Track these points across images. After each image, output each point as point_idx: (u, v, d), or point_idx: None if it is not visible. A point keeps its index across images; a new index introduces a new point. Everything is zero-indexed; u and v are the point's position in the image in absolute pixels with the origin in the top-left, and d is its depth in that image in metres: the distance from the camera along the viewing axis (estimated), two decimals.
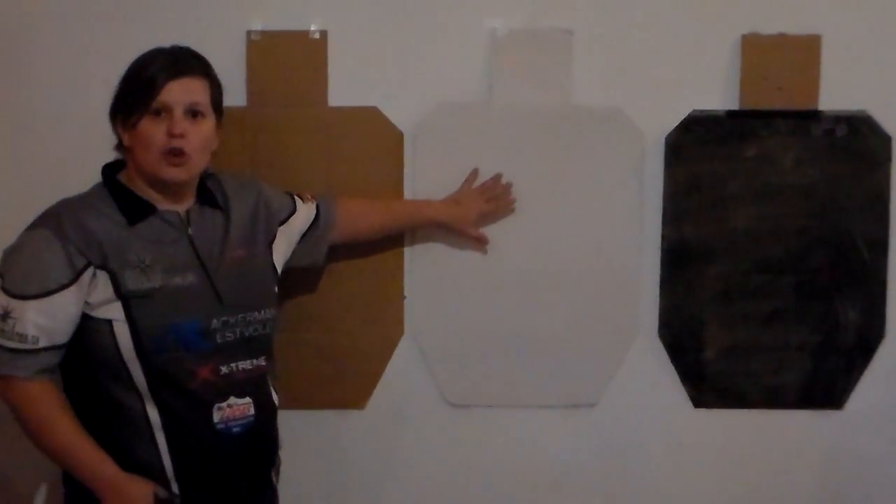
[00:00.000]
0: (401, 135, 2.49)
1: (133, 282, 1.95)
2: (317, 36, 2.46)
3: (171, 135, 1.96)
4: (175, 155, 1.97)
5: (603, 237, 2.52)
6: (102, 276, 1.94)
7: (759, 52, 2.46)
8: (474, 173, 2.48)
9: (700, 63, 2.49)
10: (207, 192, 2.10)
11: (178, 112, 1.98)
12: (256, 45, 2.45)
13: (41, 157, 2.49)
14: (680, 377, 2.57)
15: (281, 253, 2.22)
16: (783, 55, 2.46)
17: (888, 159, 2.50)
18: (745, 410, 2.58)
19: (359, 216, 2.41)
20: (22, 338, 1.93)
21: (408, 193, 2.49)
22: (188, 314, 1.99)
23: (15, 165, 2.49)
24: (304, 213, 2.31)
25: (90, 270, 1.94)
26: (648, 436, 2.61)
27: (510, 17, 2.47)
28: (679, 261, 2.53)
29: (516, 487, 2.61)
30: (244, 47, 2.45)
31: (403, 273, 2.54)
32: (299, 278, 2.48)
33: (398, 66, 2.48)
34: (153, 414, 1.98)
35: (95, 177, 2.08)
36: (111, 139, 2.07)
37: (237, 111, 2.42)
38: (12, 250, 1.97)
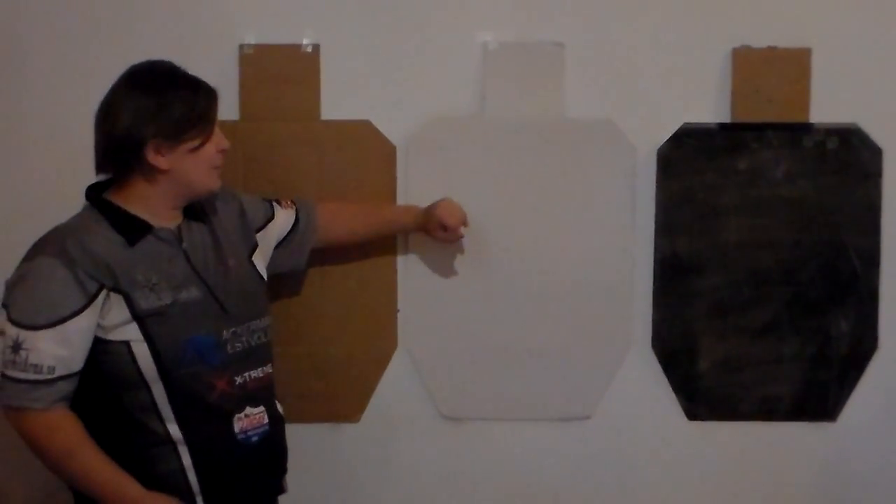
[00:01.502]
0: (393, 148, 2.49)
1: (145, 301, 1.95)
2: (309, 50, 2.47)
3: (221, 151, 2.06)
4: (217, 167, 2.07)
5: (596, 250, 2.52)
6: (116, 298, 1.94)
7: (750, 65, 2.48)
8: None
9: (691, 76, 2.50)
10: (192, 207, 2.10)
11: (218, 129, 2.05)
12: (249, 59, 2.46)
13: (34, 166, 2.49)
14: (673, 389, 2.57)
15: (262, 260, 2.23)
16: (774, 68, 2.48)
17: (879, 172, 2.51)
18: (739, 423, 2.58)
19: (339, 221, 2.42)
20: (37, 369, 1.90)
21: (399, 202, 2.49)
22: (201, 328, 2.00)
23: (8, 175, 2.50)
24: (283, 218, 2.32)
25: (104, 293, 1.94)
26: (642, 448, 2.61)
27: (502, 31, 2.48)
28: (672, 273, 2.53)
29: (510, 500, 2.61)
30: (237, 61, 2.46)
31: (397, 286, 2.54)
32: (293, 292, 2.48)
33: (391, 79, 2.49)
34: (175, 430, 1.99)
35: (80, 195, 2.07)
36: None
37: (230, 124, 2.42)
38: (17, 281, 1.94)
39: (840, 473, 2.61)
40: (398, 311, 2.54)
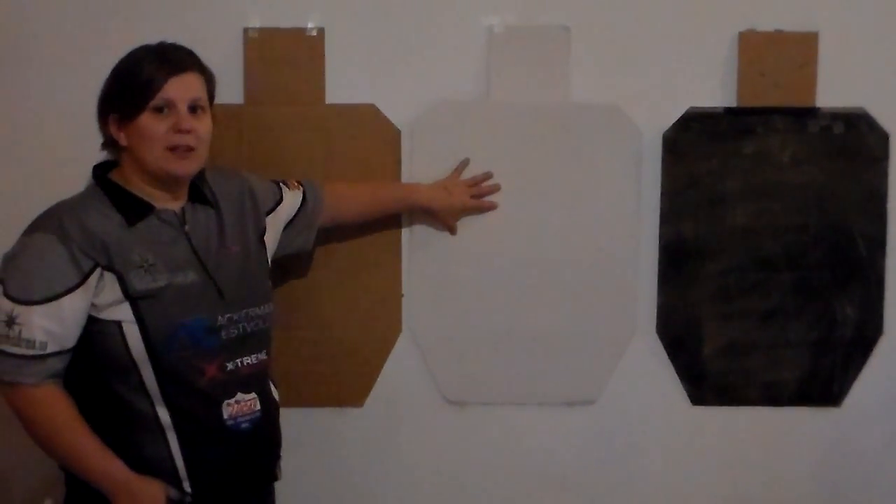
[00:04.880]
0: (398, 132, 2.49)
1: (139, 282, 1.95)
2: (314, 33, 2.46)
3: (178, 130, 1.97)
4: (185, 150, 1.98)
5: (601, 234, 2.52)
6: (110, 278, 1.94)
7: (756, 49, 2.47)
8: (464, 163, 2.48)
9: (698, 60, 2.49)
10: (198, 190, 2.10)
11: (183, 108, 1.98)
12: (254, 43, 2.45)
13: (36, 156, 2.49)
14: (678, 374, 2.57)
15: (271, 243, 2.23)
16: (780, 52, 2.47)
17: (885, 156, 2.50)
18: (744, 407, 2.58)
19: (345, 200, 2.41)
20: (29, 343, 1.90)
21: None
22: (195, 312, 1.99)
23: (10, 165, 2.49)
24: (291, 200, 2.31)
25: (97, 272, 1.93)
26: (647, 433, 2.61)
27: (507, 14, 2.47)
28: (677, 258, 2.53)
29: (515, 484, 2.61)
30: (241, 44, 2.45)
31: (401, 271, 2.53)
32: (297, 276, 2.48)
33: (395, 63, 2.48)
34: (163, 414, 1.98)
35: (88, 175, 2.07)
36: (98, 136, 2.05)
37: (234, 108, 2.42)
38: (14, 255, 1.95)
39: (844, 459, 2.61)
40: (402, 295, 2.54)
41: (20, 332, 1.90)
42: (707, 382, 2.57)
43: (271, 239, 2.23)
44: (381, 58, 2.48)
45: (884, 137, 2.50)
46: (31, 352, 1.91)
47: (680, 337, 2.55)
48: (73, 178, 2.13)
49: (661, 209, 2.52)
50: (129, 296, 1.94)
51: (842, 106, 2.49)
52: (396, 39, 2.48)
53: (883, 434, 2.61)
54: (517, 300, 2.53)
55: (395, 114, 2.48)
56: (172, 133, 1.97)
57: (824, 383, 2.56)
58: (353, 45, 2.47)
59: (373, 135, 2.48)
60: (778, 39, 2.47)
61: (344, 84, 2.47)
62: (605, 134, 2.49)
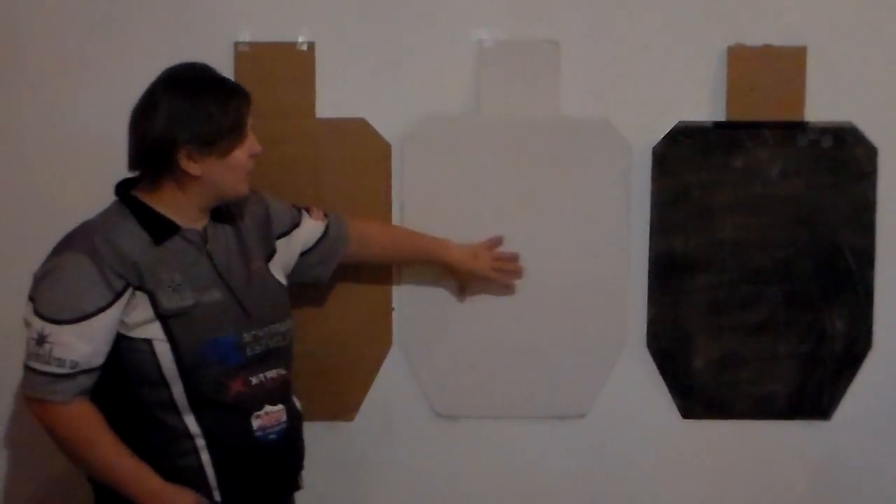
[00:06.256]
0: (388, 146, 2.49)
1: (169, 301, 1.97)
2: (304, 48, 2.47)
3: (253, 155, 2.05)
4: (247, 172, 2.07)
5: (591, 248, 2.52)
6: (141, 297, 1.96)
7: (745, 63, 2.48)
8: (498, 239, 2.50)
9: (687, 74, 2.50)
10: (218, 209, 2.11)
11: (251, 133, 2.04)
12: (244, 57, 2.46)
13: (27, 163, 2.50)
14: (668, 388, 2.57)
15: (280, 266, 2.23)
16: (769, 66, 2.48)
17: (873, 170, 2.51)
18: (734, 421, 2.58)
19: (371, 241, 2.42)
20: (60, 362, 1.92)
21: (395, 205, 2.49)
22: (223, 330, 2.02)
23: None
24: (310, 228, 2.31)
25: (129, 291, 1.95)
26: (637, 447, 2.61)
27: (497, 29, 2.48)
28: (667, 271, 2.53)
29: (505, 499, 2.61)
30: (232, 59, 2.45)
31: (392, 285, 2.53)
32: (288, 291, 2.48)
33: (386, 77, 2.48)
34: (193, 426, 2.00)
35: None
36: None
37: None
38: (44, 275, 1.96)
39: (834, 472, 2.61)
40: (393, 309, 2.54)
41: (51, 350, 1.92)
42: (697, 396, 2.57)
43: (280, 263, 2.23)
44: (371, 72, 2.48)
45: (872, 151, 2.51)
46: (61, 370, 1.93)
47: (670, 350, 2.56)
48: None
49: (651, 223, 2.52)
50: (160, 315, 1.96)
51: (830, 120, 2.50)
52: (387, 54, 2.48)
53: (872, 447, 2.61)
54: (507, 314, 2.53)
55: (386, 128, 2.49)
56: (247, 159, 2.04)
57: (814, 397, 2.57)
58: (344, 60, 2.47)
59: (363, 149, 2.48)
60: (767, 54, 2.48)
61: (334, 98, 2.48)
62: (595, 148, 2.50)
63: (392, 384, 2.56)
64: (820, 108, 2.49)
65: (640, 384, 2.57)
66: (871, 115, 2.50)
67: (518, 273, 2.51)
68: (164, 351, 1.97)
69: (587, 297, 2.53)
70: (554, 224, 2.51)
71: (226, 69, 2.44)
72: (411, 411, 2.57)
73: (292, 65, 2.46)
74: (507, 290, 2.52)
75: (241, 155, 2.02)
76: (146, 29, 2.45)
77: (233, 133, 2.00)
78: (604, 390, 2.57)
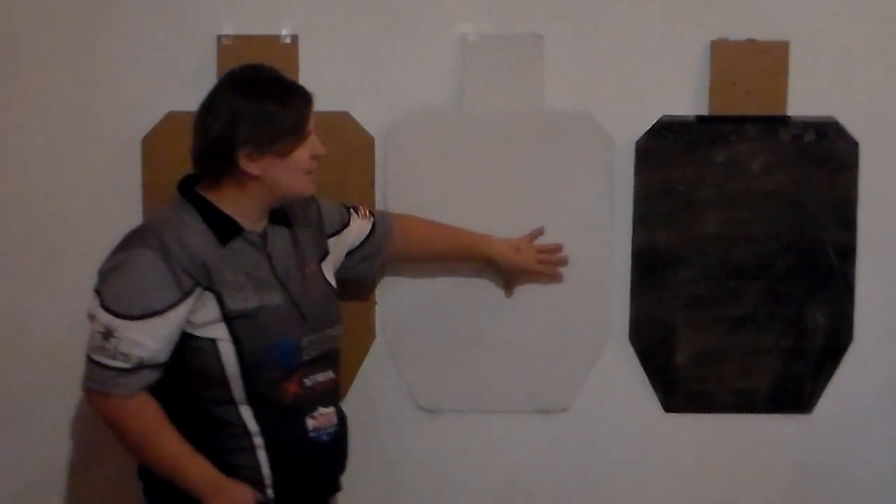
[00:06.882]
0: (371, 139, 2.49)
1: (234, 302, 1.99)
2: (288, 40, 2.46)
3: (314, 156, 2.06)
4: (310, 172, 2.07)
5: (574, 242, 2.52)
6: (209, 297, 1.97)
7: (728, 57, 2.48)
8: (539, 230, 2.50)
9: (670, 68, 2.51)
10: (275, 210, 2.11)
11: (314, 134, 2.05)
12: (228, 50, 2.45)
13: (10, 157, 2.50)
14: (651, 382, 2.58)
15: (330, 266, 2.24)
16: (752, 61, 2.48)
17: (855, 164, 2.52)
18: (715, 415, 2.59)
19: (415, 237, 2.42)
20: (126, 357, 1.93)
21: (379, 198, 2.49)
22: (284, 333, 2.03)
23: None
24: (358, 227, 2.32)
25: (198, 291, 1.96)
26: (620, 440, 2.62)
27: (481, 23, 2.48)
28: (650, 265, 2.54)
29: (488, 492, 2.61)
30: (215, 52, 2.45)
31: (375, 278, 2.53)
32: None
33: (369, 70, 2.48)
34: (252, 426, 2.03)
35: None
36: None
37: None
38: (112, 269, 1.97)
39: (815, 465, 2.62)
40: (376, 303, 2.54)
41: (117, 345, 1.93)
42: (679, 390, 2.58)
43: (331, 263, 2.25)
44: (354, 65, 2.48)
45: (853, 146, 2.52)
46: (126, 364, 1.94)
47: (652, 344, 2.56)
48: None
49: (634, 217, 2.53)
50: (227, 315, 1.98)
51: (812, 115, 2.50)
52: (370, 47, 2.48)
53: (853, 440, 2.62)
54: (490, 308, 2.53)
55: (369, 121, 2.49)
56: (309, 159, 2.04)
57: (795, 390, 2.58)
58: (327, 53, 2.47)
59: (346, 142, 2.48)
60: (749, 49, 2.48)
61: (317, 91, 2.44)
62: (578, 142, 2.50)
63: (375, 378, 2.56)
64: (802, 103, 2.50)
65: (623, 378, 2.58)
66: (853, 109, 2.51)
67: (563, 262, 2.51)
68: (228, 351, 1.99)
69: (570, 290, 2.54)
70: (537, 218, 2.51)
71: (209, 62, 2.44)
72: (394, 405, 2.58)
73: (275, 58, 2.43)
74: (555, 279, 2.52)
75: (301, 155, 2.03)
76: (129, 22, 2.44)
77: (293, 133, 2.01)
78: (586, 384, 2.58)
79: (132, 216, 2.44)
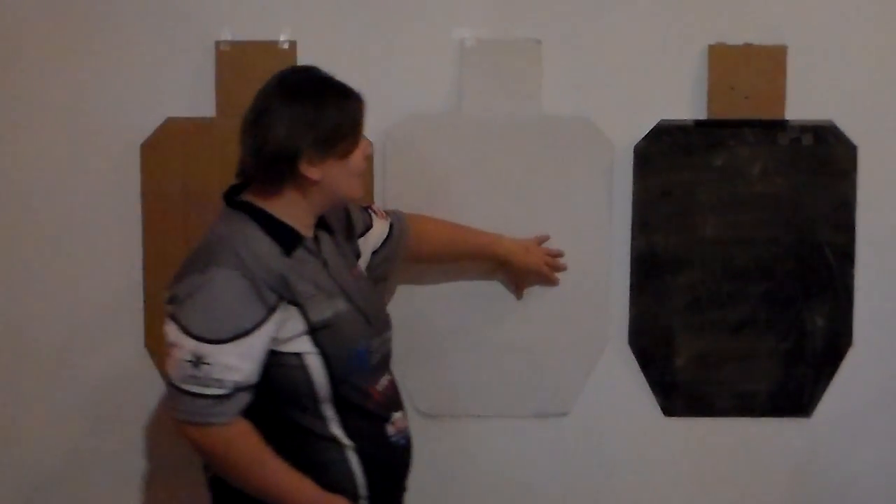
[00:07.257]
0: (370, 145, 2.48)
1: (314, 313, 1.94)
2: (286, 46, 2.47)
3: (367, 157, 2.05)
4: (362, 175, 2.05)
5: (573, 246, 2.53)
6: (293, 311, 1.92)
7: (726, 62, 2.48)
8: (545, 236, 2.51)
9: (668, 73, 2.51)
10: (320, 216, 2.08)
11: (365, 138, 2.03)
12: (226, 56, 2.45)
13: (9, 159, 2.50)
14: (650, 386, 2.58)
15: (363, 268, 2.24)
16: (750, 65, 2.49)
17: (853, 168, 2.53)
18: (715, 419, 2.59)
19: (427, 237, 2.41)
20: (220, 383, 1.86)
21: (378, 203, 2.49)
22: (359, 339, 2.01)
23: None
24: (379, 227, 2.30)
25: (282, 305, 1.91)
26: (619, 444, 2.62)
27: (479, 28, 2.49)
28: (648, 269, 2.54)
29: (487, 497, 2.61)
30: (213, 57, 2.45)
31: None
32: None
33: (367, 76, 2.46)
34: (342, 436, 1.99)
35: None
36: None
37: (206, 122, 2.43)
38: (193, 293, 1.88)
39: (815, 469, 2.63)
40: None
41: (210, 372, 1.85)
42: (679, 393, 2.58)
43: (363, 263, 2.24)
44: (352, 71, 2.43)
45: (852, 149, 2.52)
46: (221, 391, 1.87)
47: (652, 348, 2.56)
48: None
49: (633, 221, 2.53)
50: (311, 327, 1.94)
51: (810, 118, 2.51)
52: (368, 52, 2.48)
53: (853, 444, 2.62)
54: (489, 312, 2.53)
55: (367, 126, 2.44)
56: (363, 161, 2.03)
57: (795, 394, 2.58)
58: (325, 59, 2.43)
59: None
60: (747, 53, 2.49)
61: None
62: (577, 147, 2.50)
63: None
64: (800, 107, 2.51)
65: (622, 382, 2.58)
66: (851, 113, 2.52)
67: (562, 268, 2.52)
68: (315, 364, 1.94)
69: (569, 294, 2.54)
70: (536, 222, 2.52)
71: (207, 68, 2.44)
72: None
73: (274, 64, 2.42)
74: (553, 283, 2.52)
75: (359, 156, 2.00)
76: (128, 28, 2.45)
77: (351, 135, 1.97)
78: (586, 388, 2.58)
79: (131, 221, 2.45)
